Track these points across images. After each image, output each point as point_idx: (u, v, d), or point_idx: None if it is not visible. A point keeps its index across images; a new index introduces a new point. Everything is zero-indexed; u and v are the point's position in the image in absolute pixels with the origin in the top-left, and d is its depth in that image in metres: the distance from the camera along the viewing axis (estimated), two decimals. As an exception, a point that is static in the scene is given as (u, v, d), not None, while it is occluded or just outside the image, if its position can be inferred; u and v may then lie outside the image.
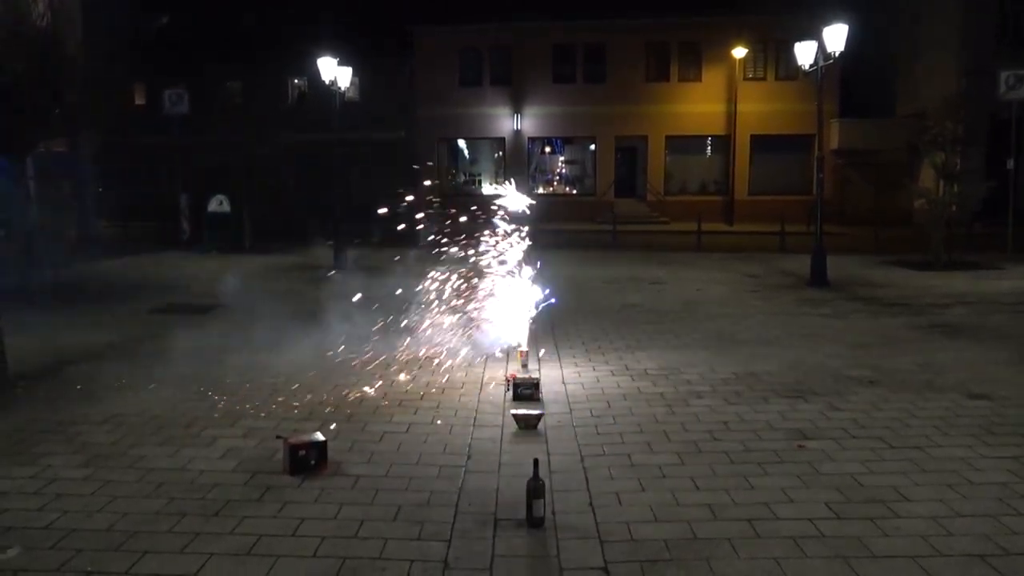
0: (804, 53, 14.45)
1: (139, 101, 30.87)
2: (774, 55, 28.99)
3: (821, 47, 13.91)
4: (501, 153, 30.73)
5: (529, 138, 30.39)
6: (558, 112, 29.89)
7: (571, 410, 6.67)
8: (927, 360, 8.32)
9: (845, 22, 13.54)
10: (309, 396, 7.04)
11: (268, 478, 5.13)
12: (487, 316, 8.21)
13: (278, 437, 5.61)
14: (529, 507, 4.49)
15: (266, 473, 5.22)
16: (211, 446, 5.75)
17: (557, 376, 7.74)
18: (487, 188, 31.01)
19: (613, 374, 7.85)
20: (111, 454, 5.58)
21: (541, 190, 31.01)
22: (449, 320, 8.48)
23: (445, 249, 8.19)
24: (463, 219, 8.24)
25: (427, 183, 8.69)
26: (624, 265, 16.71)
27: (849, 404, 6.74)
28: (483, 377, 7.67)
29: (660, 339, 9.47)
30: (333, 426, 6.15)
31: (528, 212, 7.86)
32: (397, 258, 8.65)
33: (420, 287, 8.66)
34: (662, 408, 6.69)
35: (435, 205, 8.14)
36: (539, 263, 8.21)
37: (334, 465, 5.32)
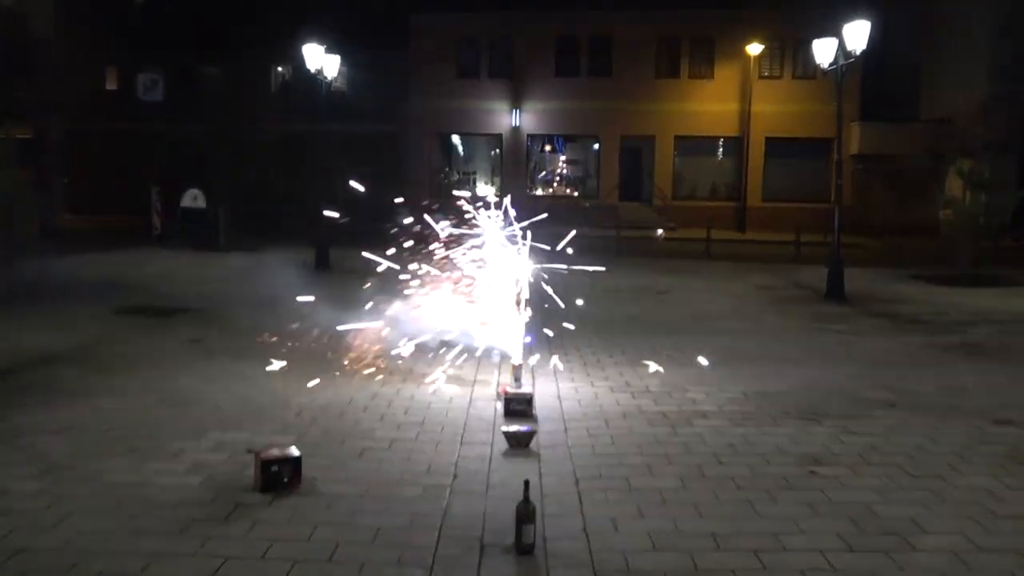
0: (823, 51, 14.49)
1: (111, 86, 30.85)
2: (791, 52, 29.08)
3: (841, 45, 13.96)
4: (498, 150, 30.76)
5: (528, 135, 30.43)
6: (560, 108, 29.93)
7: (566, 428, 6.65)
8: (950, 382, 8.32)
9: (868, 19, 13.58)
10: (284, 407, 7.01)
11: (237, 495, 5.10)
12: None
13: (249, 451, 5.58)
14: (518, 532, 4.46)
15: (235, 490, 5.18)
16: (176, 459, 5.71)
17: (552, 391, 7.73)
18: (482, 188, 31.03)
19: (612, 390, 7.83)
20: (67, 466, 5.53)
21: (540, 191, 31.05)
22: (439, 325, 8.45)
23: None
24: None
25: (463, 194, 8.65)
26: (628, 273, 16.70)
27: (865, 428, 6.73)
28: (472, 391, 7.65)
29: (664, 354, 9.44)
30: (309, 440, 6.11)
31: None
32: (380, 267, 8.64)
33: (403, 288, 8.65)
34: (664, 428, 6.67)
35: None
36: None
37: (309, 482, 5.29)
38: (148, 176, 22.22)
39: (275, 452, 5.35)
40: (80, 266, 16.00)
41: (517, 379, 7.75)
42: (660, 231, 23.00)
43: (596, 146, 30.73)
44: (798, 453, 6.11)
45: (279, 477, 5.18)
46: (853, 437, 6.50)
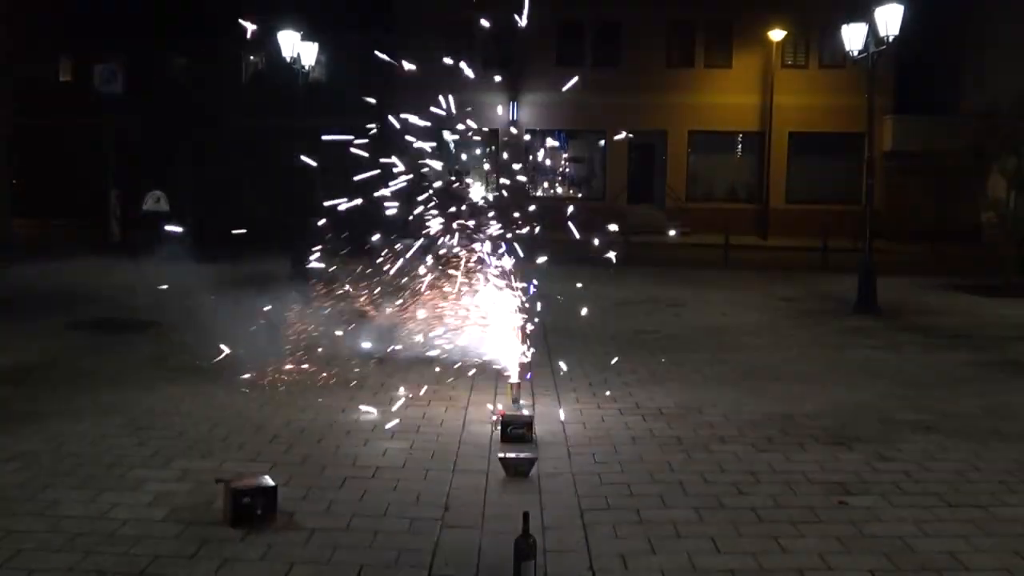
0: (853, 37, 14.57)
1: (64, 77, 30.90)
2: (817, 39, 29.22)
3: (873, 30, 14.04)
4: (494, 147, 30.83)
5: (527, 130, 30.51)
6: (562, 100, 29.95)
7: (570, 454, 6.66)
8: (993, 403, 8.34)
9: (902, 1, 13.66)
10: (257, 432, 7.01)
11: (205, 530, 5.10)
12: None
13: (218, 481, 5.57)
14: (517, 570, 4.46)
15: (202, 524, 5.18)
16: (138, 490, 5.71)
17: (554, 414, 7.73)
18: (476, 189, 31.08)
19: (621, 413, 7.85)
20: (17, 498, 5.53)
21: (540, 192, 31.10)
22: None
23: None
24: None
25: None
26: (637, 283, 16.73)
27: (900, 453, 6.75)
28: (466, 413, 7.66)
29: (678, 372, 9.48)
30: (285, 469, 6.12)
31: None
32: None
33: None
34: (678, 454, 6.69)
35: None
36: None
37: (285, 516, 5.29)
38: (106, 176, 22.26)
39: (247, 482, 5.34)
40: (32, 276, 16.02)
41: (515, 400, 7.76)
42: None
43: (602, 142, 30.79)
44: (826, 481, 6.12)
45: (251, 509, 5.17)
46: (886, 463, 6.51)
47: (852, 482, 6.11)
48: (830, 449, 6.85)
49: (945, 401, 8.36)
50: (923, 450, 6.84)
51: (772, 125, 29.32)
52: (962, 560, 4.88)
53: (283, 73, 17.58)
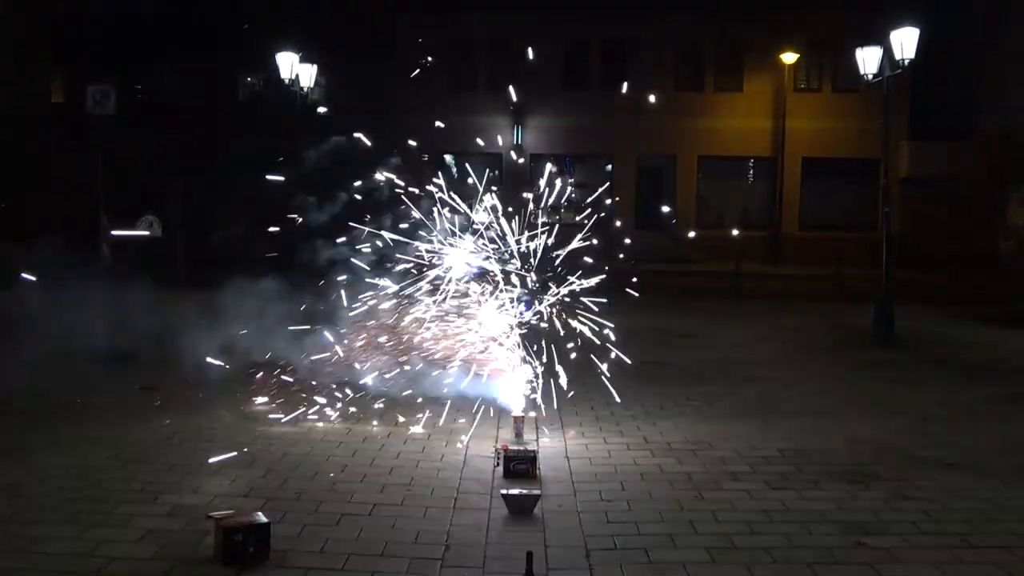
0: (868, 60, 14.66)
1: (56, 99, 31.15)
2: (831, 62, 29.40)
3: (888, 53, 14.13)
4: (497, 172, 30.94)
5: (532, 155, 30.63)
6: (568, 124, 30.17)
7: (575, 492, 6.64)
8: (1016, 439, 8.31)
9: (918, 24, 13.75)
10: (250, 466, 7.00)
11: (195, 568, 5.08)
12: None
13: (209, 517, 5.57)
14: (520, 613, 4.44)
15: (193, 562, 5.16)
16: (126, 526, 5.69)
17: (559, 449, 7.72)
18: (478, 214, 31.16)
19: (629, 447, 7.82)
20: (1, 533, 5.52)
21: (545, 218, 31.15)
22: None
23: None
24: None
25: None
26: (646, 313, 16.70)
27: (920, 492, 6.71)
28: (467, 448, 7.64)
29: (688, 406, 9.46)
30: (278, 505, 6.10)
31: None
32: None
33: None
34: (688, 492, 6.66)
35: None
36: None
37: (278, 554, 5.27)
38: (97, 200, 22.33)
39: (239, 519, 5.33)
40: (17, 302, 16.02)
41: (519, 434, 7.75)
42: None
43: (609, 167, 30.91)
44: (843, 521, 6.09)
45: (244, 547, 5.15)
46: (906, 502, 6.48)
47: (870, 521, 6.08)
48: (847, 487, 6.82)
49: (966, 437, 8.33)
50: (944, 488, 6.80)
51: (784, 150, 29.45)
52: (986, 604, 4.85)
53: (281, 96, 17.74)
